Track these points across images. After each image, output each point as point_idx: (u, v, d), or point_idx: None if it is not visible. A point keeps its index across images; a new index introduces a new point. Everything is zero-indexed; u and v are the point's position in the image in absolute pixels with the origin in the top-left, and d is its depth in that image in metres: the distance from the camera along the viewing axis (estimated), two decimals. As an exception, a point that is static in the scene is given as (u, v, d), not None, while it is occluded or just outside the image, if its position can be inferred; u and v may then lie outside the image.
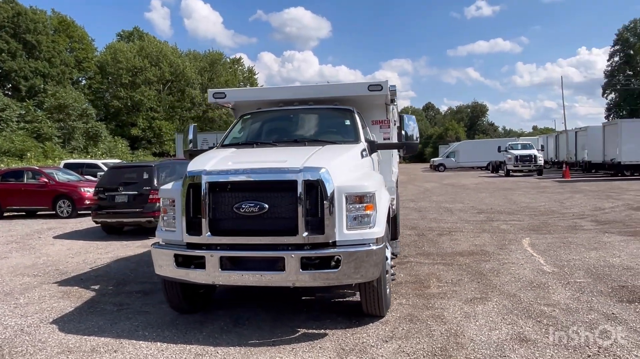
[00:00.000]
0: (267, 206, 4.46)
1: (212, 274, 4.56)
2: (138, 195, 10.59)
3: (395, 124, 7.54)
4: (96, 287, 6.72)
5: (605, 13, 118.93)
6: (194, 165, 4.89)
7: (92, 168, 20.75)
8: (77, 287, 6.75)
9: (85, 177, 18.13)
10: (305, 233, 4.40)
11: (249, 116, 6.46)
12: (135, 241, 10.41)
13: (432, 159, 48.82)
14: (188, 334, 4.78)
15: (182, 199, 4.72)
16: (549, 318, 4.87)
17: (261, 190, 4.55)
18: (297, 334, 4.73)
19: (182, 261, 4.72)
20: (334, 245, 4.47)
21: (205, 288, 5.41)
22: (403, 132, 5.89)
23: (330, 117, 6.45)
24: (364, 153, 5.62)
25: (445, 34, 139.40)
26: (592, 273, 6.55)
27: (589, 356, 4.01)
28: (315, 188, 4.44)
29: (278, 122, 6.52)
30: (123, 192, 10.71)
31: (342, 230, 4.48)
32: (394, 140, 7.03)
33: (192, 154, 6.42)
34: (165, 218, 5.00)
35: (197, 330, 4.89)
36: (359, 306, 5.14)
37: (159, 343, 4.57)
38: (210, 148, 6.41)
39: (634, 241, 8.69)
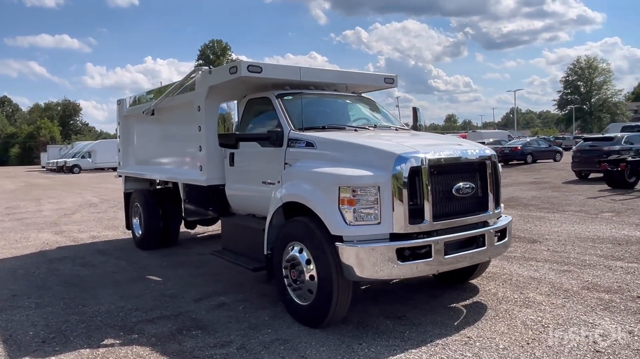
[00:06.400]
0: (474, 186, 4.56)
1: (437, 262, 4.23)
2: None
3: None
4: (116, 341, 4.20)
5: (173, 31, 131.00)
6: (396, 148, 4.27)
7: None
8: (87, 350, 4.03)
9: None
10: (496, 209, 4.79)
11: (291, 97, 5.54)
12: None
13: (58, 160, 43.18)
14: (391, 340, 4.16)
15: (394, 186, 4.10)
16: (534, 259, 6.85)
17: (468, 171, 4.59)
18: (464, 313, 4.85)
19: (408, 255, 4.11)
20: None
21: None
22: (418, 123, 6.60)
23: (370, 105, 6.43)
24: None
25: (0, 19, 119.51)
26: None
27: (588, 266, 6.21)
28: (492, 166, 4.85)
29: (333, 107, 5.99)
30: None
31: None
32: None
33: (241, 139, 5.08)
34: (353, 211, 4.10)
35: (381, 334, 4.30)
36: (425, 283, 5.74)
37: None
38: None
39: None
